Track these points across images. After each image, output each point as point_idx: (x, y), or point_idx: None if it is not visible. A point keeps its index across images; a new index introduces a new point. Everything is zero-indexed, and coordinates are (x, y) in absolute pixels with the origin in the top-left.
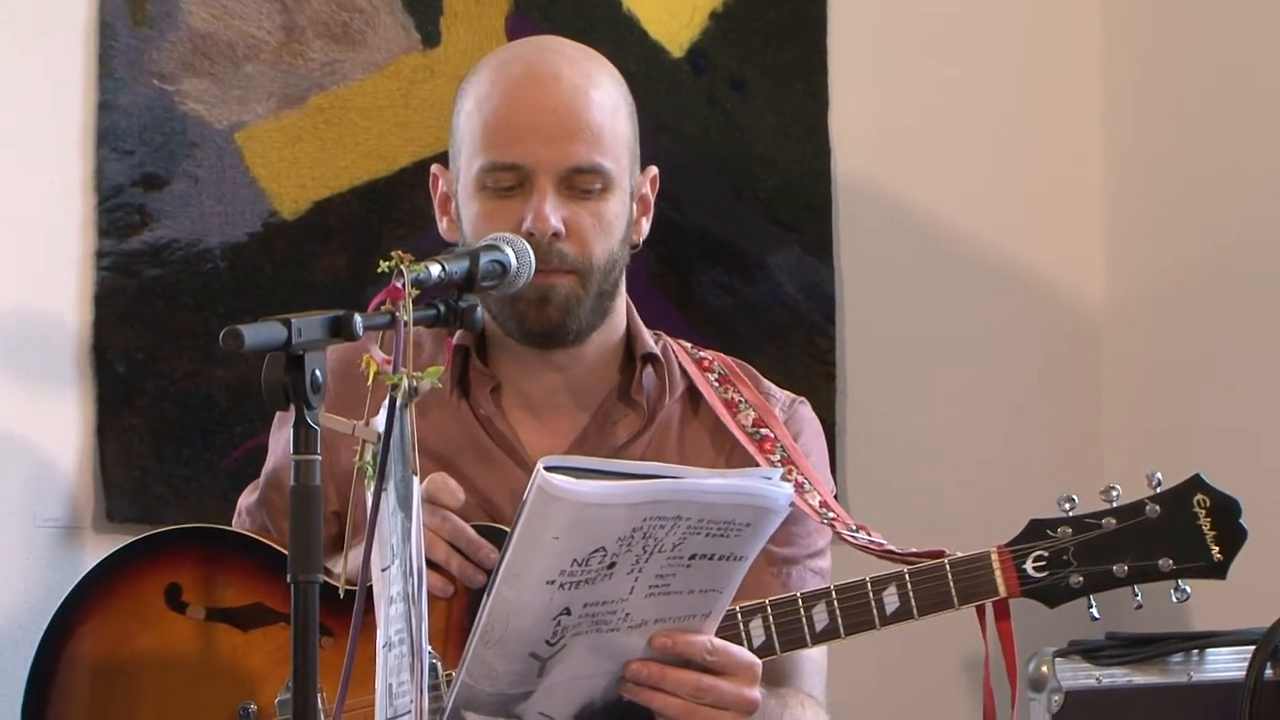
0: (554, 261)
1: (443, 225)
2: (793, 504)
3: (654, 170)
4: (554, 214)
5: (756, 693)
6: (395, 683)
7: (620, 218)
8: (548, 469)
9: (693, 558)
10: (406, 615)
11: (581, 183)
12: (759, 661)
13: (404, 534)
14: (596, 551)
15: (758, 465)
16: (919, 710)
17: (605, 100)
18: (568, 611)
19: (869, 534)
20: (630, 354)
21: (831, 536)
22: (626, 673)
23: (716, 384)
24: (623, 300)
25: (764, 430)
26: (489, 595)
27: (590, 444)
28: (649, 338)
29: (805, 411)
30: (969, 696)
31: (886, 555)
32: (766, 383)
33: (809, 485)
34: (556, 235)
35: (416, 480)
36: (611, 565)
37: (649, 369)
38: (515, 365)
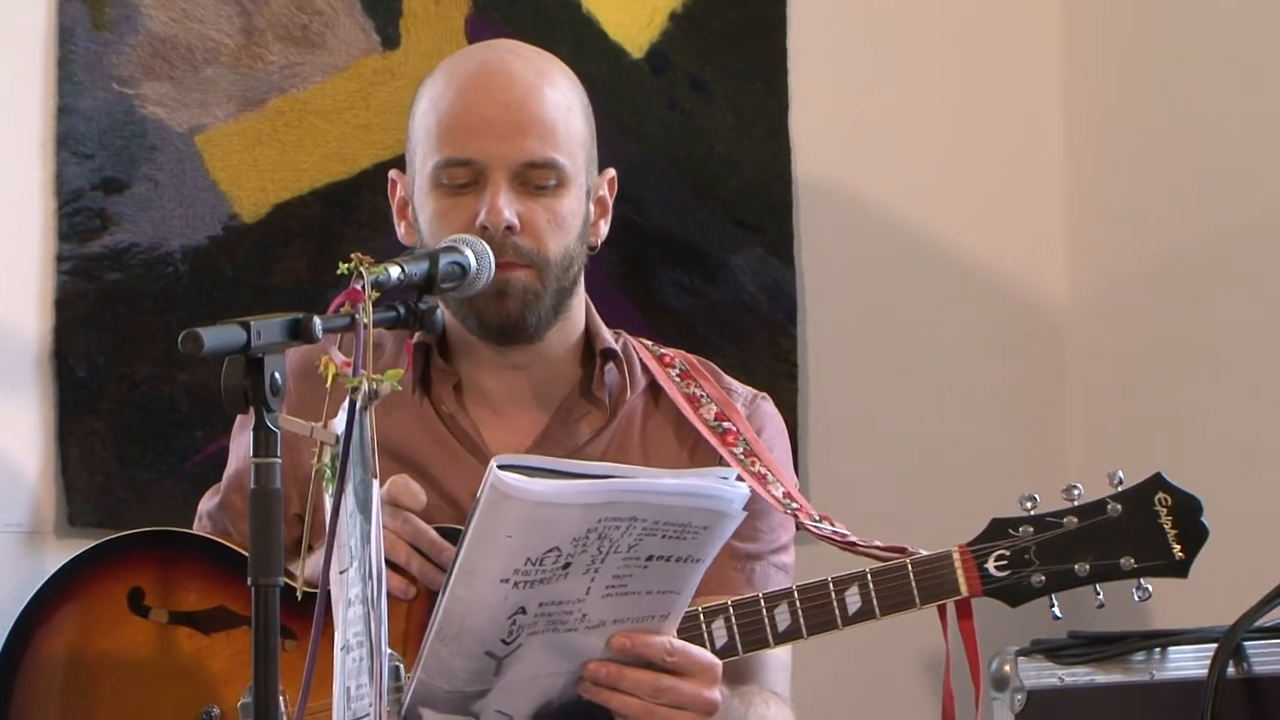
0: (508, 255)
1: (401, 230)
2: (757, 497)
3: (611, 172)
4: (508, 208)
5: (716, 693)
6: (354, 685)
7: (576, 215)
8: (501, 467)
9: (649, 559)
10: (365, 618)
11: (535, 178)
12: (719, 662)
13: (363, 536)
14: (551, 551)
15: (720, 458)
16: (881, 709)
17: (559, 98)
18: (523, 611)
19: (832, 524)
20: (590, 351)
21: (795, 530)
22: (584, 673)
23: (678, 379)
24: (581, 299)
25: (726, 424)
26: (444, 593)
27: (553, 441)
28: (608, 335)
29: (767, 407)
30: (931, 696)
31: (849, 547)
32: (728, 378)
33: (772, 477)
34: (511, 229)
35: (376, 483)
36: (566, 565)
37: (610, 365)
38: (475, 363)
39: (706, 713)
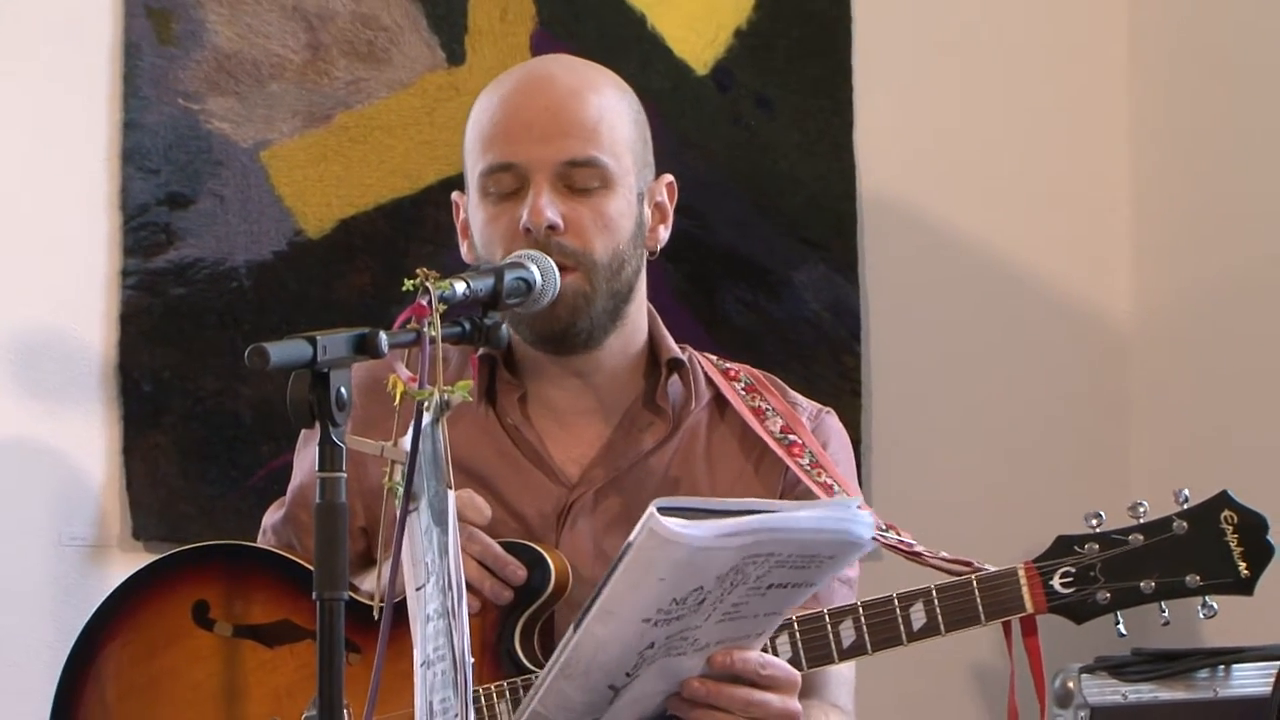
0: (554, 256)
1: (464, 249)
2: None
3: (669, 177)
4: (549, 208)
5: (798, 703)
6: (436, 700)
7: (625, 217)
8: (660, 510)
9: (770, 586)
10: (447, 631)
11: (579, 179)
12: (799, 674)
13: (440, 549)
14: (695, 590)
15: (788, 469)
16: None
17: (601, 101)
18: (653, 645)
19: (899, 534)
20: (655, 361)
21: None
22: (683, 690)
23: (743, 392)
24: (643, 307)
25: (792, 436)
26: (576, 630)
27: (616, 452)
28: (674, 345)
29: (833, 421)
30: (992, 710)
31: (915, 557)
32: (793, 393)
33: (838, 489)
34: (554, 229)
35: (451, 495)
36: (703, 601)
37: (674, 376)
38: (539, 374)
39: None
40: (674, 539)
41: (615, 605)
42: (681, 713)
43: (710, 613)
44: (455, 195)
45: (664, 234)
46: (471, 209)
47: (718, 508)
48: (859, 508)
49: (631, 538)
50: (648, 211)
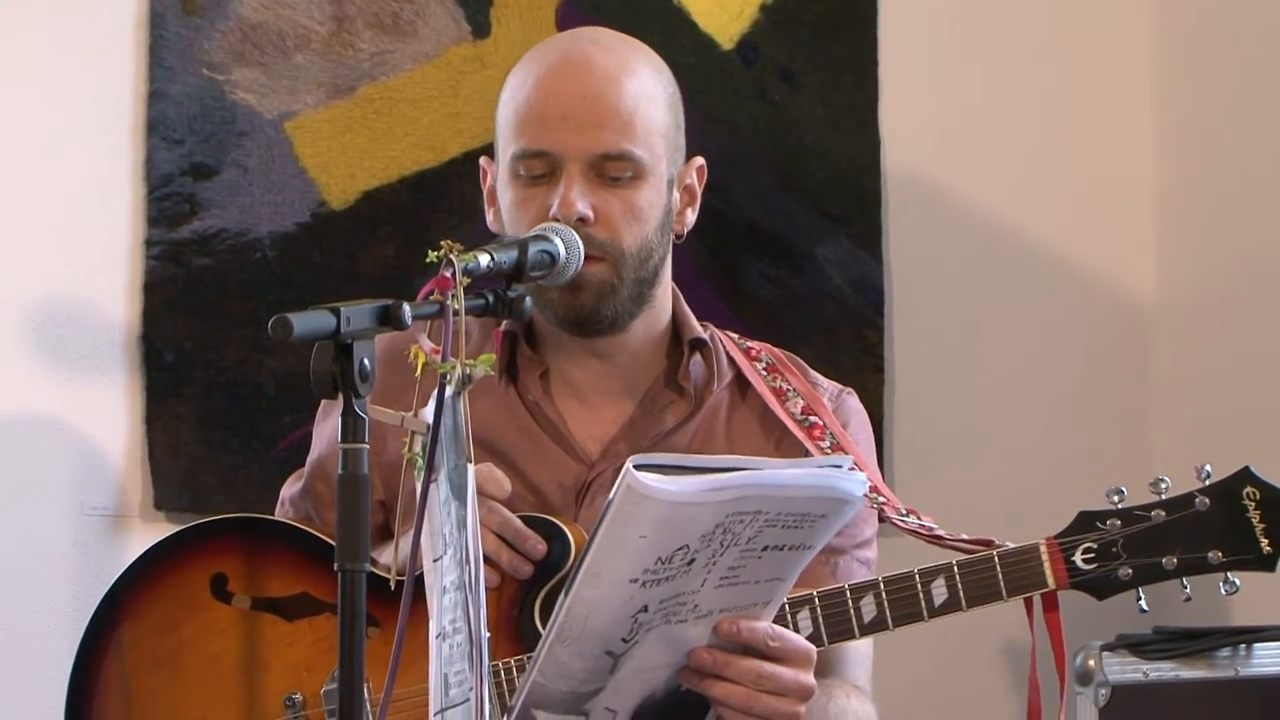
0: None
1: (489, 217)
2: None
3: (700, 160)
4: (580, 200)
5: (813, 679)
6: (451, 673)
7: (655, 206)
8: (636, 467)
9: (765, 549)
10: (464, 604)
11: (611, 170)
12: (814, 648)
13: (459, 522)
14: (680, 549)
15: (808, 451)
16: (964, 701)
17: (638, 88)
18: (645, 609)
19: (919, 518)
20: (677, 341)
21: (879, 525)
22: (690, 661)
23: (764, 373)
24: (668, 288)
25: (813, 418)
26: (567, 595)
27: (638, 430)
28: (697, 325)
29: (853, 402)
30: (1014, 688)
31: (935, 540)
32: (814, 373)
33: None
34: (584, 221)
35: (471, 468)
36: (691, 561)
37: (696, 356)
38: (561, 352)
39: (804, 698)
40: (651, 494)
41: (600, 566)
42: (691, 683)
43: (705, 576)
44: (483, 161)
45: (691, 217)
46: (500, 185)
47: (697, 464)
48: (849, 468)
49: (611, 495)
50: (676, 196)
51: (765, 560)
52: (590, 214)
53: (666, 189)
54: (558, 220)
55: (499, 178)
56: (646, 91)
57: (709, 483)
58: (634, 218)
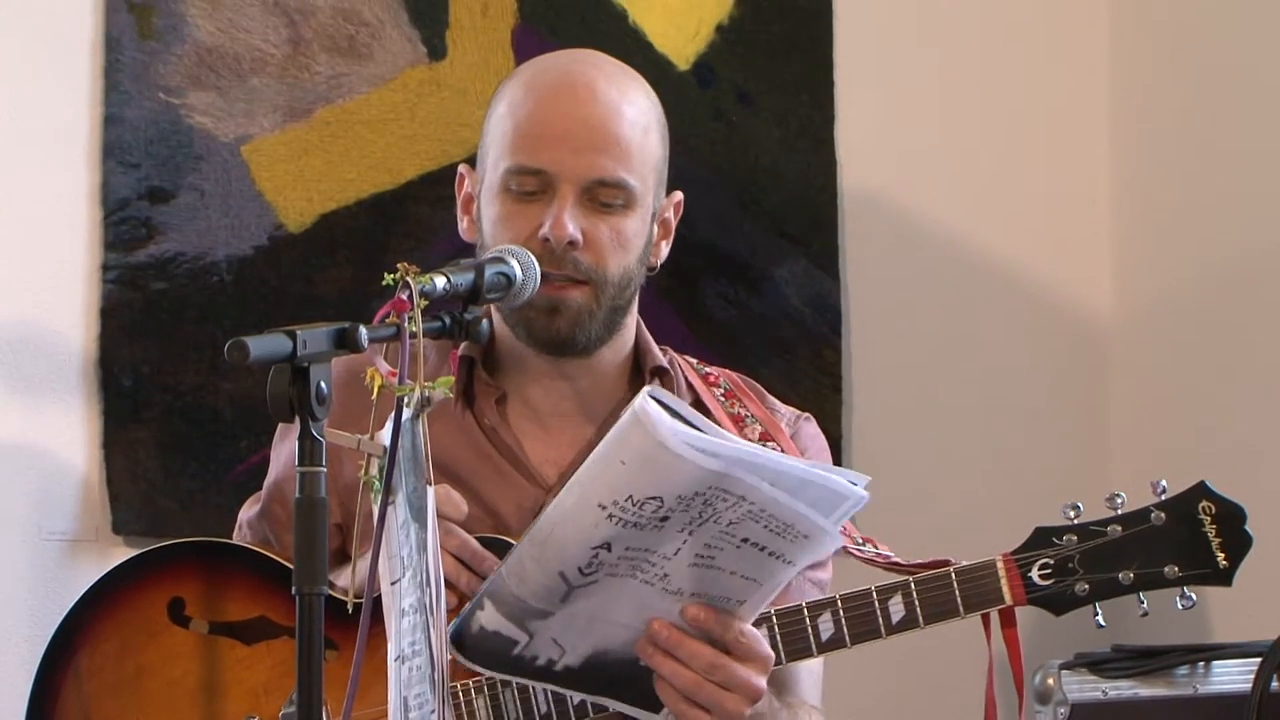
0: (568, 269)
1: (463, 225)
2: None
3: (679, 196)
4: (572, 223)
5: (765, 683)
6: (411, 695)
7: (639, 235)
8: (655, 399)
9: (745, 540)
10: (425, 627)
11: (604, 196)
12: (773, 656)
13: (418, 545)
14: (653, 499)
15: None
16: (921, 718)
17: (638, 118)
18: (608, 547)
19: (876, 547)
20: (638, 368)
21: (835, 554)
22: (648, 631)
23: (722, 399)
24: (634, 316)
25: (770, 444)
26: (550, 495)
27: None
28: (659, 353)
29: (811, 427)
30: (972, 706)
31: (893, 567)
32: (771, 398)
33: None
34: (573, 244)
35: (431, 490)
36: (665, 519)
37: (656, 383)
38: (523, 374)
39: (752, 700)
40: (645, 422)
41: (584, 477)
42: (644, 655)
43: (679, 545)
44: (463, 168)
45: (665, 250)
46: (486, 197)
47: (704, 426)
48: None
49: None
50: (655, 229)
51: (744, 554)
52: (580, 238)
53: (650, 220)
54: (548, 241)
55: (485, 189)
56: (645, 122)
57: (700, 442)
58: (620, 245)
